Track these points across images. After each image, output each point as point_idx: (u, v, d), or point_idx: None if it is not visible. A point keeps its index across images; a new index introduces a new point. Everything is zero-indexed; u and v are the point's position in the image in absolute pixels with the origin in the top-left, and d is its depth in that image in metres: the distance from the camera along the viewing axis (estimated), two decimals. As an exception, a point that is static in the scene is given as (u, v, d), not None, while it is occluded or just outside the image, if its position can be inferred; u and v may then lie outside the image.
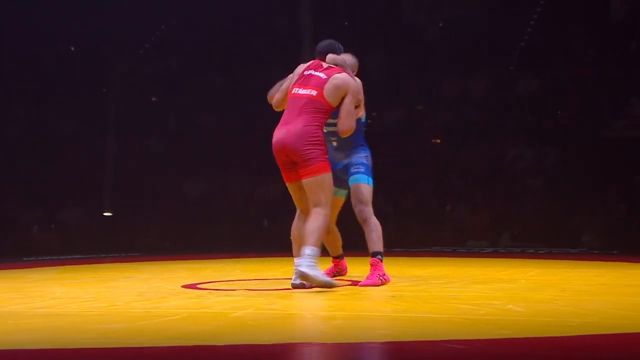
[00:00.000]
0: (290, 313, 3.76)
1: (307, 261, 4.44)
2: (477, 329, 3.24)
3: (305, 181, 4.60)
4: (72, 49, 12.69)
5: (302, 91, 4.69)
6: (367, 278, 4.82)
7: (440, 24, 12.31)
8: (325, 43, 4.92)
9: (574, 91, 10.77)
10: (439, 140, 11.61)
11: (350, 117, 4.70)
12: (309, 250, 4.46)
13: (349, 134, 4.80)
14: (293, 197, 4.80)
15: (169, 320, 3.59)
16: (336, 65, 4.80)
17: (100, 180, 11.93)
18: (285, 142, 4.60)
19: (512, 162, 10.58)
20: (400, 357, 2.75)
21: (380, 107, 11.46)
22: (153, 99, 12.75)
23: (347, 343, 2.97)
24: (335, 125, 4.78)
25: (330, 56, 4.84)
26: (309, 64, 4.84)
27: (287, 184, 4.76)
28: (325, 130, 4.83)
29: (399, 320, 3.48)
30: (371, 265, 4.87)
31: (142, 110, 12.32)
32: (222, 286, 5.18)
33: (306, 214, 4.67)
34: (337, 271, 5.40)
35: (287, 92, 4.78)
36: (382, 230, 4.96)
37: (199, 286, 5.10)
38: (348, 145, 5.08)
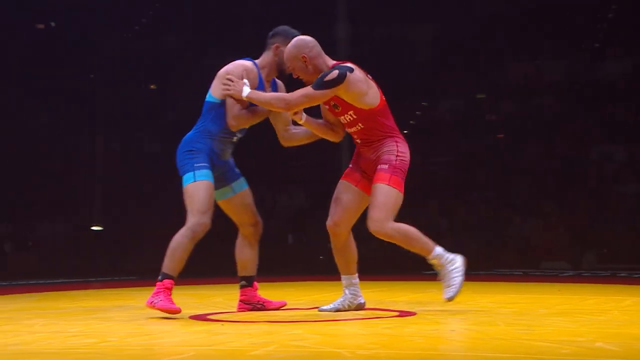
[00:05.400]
0: (324, 351, 3.75)
1: None
2: (559, 372, 3.20)
3: None
4: (52, 24, 12.81)
5: None
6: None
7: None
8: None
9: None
10: (502, 136, 11.53)
11: None
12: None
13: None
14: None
15: (173, 359, 3.59)
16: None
17: (88, 187, 12.01)
18: None
19: (598, 164, 10.46)
20: (464, 407, 2.71)
21: (431, 96, 11.39)
22: (152, 86, 12.82)
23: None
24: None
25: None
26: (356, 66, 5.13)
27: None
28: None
29: (461, 361, 3.45)
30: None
31: (138, 101, 12.38)
32: (237, 317, 5.18)
33: None
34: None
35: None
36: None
37: (209, 317, 5.12)
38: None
